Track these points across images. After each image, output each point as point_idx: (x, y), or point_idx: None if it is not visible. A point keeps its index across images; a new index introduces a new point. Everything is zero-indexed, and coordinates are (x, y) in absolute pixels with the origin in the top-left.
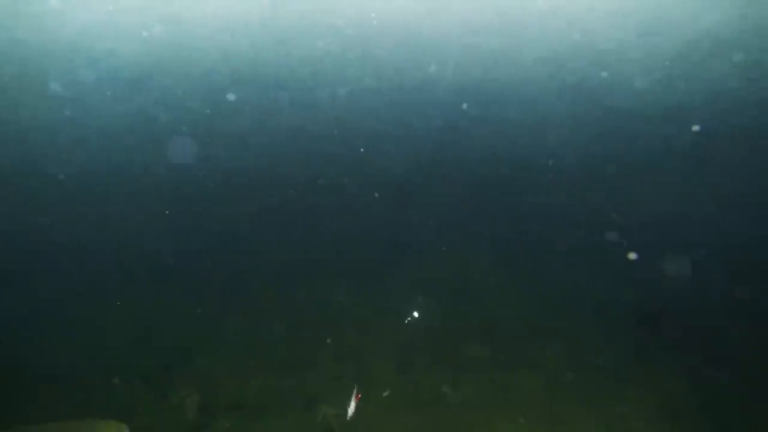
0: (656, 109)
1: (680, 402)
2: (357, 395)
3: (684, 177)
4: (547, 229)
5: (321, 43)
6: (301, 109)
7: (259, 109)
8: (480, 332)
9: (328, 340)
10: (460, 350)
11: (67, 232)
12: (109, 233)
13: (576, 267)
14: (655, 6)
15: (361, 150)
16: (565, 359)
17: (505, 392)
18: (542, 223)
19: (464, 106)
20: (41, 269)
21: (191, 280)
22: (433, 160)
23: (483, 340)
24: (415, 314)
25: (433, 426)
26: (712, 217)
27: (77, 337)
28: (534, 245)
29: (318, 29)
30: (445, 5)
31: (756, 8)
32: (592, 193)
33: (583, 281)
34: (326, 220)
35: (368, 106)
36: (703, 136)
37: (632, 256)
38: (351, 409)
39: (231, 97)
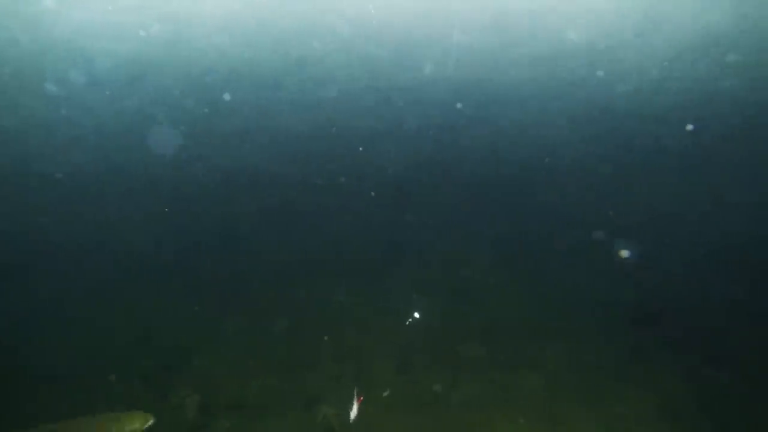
0: (655, 109)
1: (680, 402)
2: (359, 398)
3: (683, 177)
4: (546, 229)
5: (319, 43)
6: (299, 109)
7: (257, 108)
8: (480, 332)
9: (328, 340)
10: (460, 350)
11: (66, 232)
12: (108, 233)
13: (576, 267)
14: (654, 6)
15: (360, 150)
16: (565, 359)
17: (505, 392)
18: (542, 223)
19: (463, 105)
20: (40, 269)
21: (191, 279)
22: (432, 159)
23: (483, 340)
24: (416, 314)
25: (433, 426)
26: (712, 216)
27: (77, 336)
28: (533, 245)
29: (316, 29)
30: (443, 5)
31: (756, 8)
32: (591, 193)
33: (582, 281)
34: (326, 219)
35: (367, 106)
36: (702, 136)
37: (632, 255)
38: (353, 411)
39: (229, 96)
